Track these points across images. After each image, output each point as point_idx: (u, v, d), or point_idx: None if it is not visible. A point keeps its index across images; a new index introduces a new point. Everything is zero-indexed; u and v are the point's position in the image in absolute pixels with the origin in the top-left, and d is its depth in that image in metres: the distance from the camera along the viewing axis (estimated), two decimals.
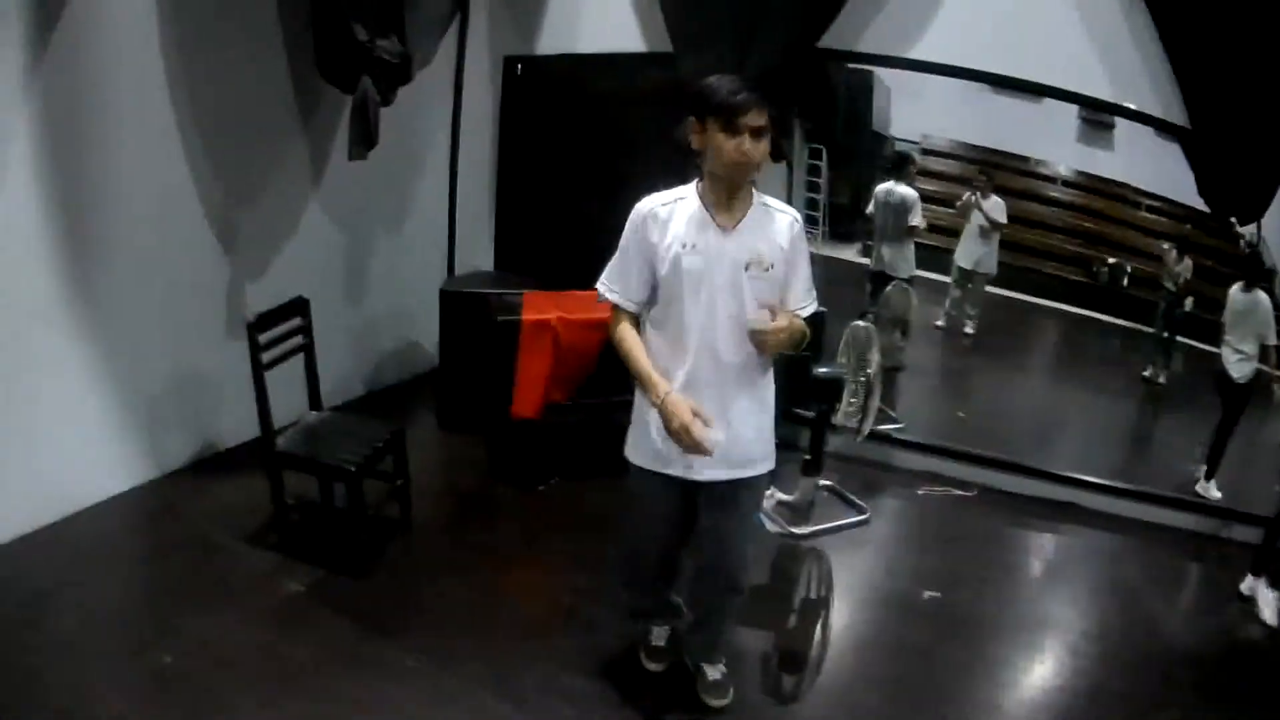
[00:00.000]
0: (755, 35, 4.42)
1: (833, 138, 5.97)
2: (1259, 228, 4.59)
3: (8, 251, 3.54)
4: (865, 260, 6.16)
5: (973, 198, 6.15)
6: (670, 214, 2.67)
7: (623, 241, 2.74)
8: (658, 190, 2.72)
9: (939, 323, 6.54)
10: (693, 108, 2.59)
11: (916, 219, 5.75)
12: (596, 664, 3.31)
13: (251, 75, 4.18)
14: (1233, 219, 4.60)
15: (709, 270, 2.63)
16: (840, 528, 4.38)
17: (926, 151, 7.05)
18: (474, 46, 5.07)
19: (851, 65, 5.07)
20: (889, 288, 5.08)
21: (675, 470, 2.80)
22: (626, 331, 2.76)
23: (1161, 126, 4.50)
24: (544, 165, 5.39)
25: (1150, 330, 6.31)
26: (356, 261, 5.15)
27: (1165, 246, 6.17)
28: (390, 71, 3.79)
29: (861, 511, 4.49)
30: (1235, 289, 4.95)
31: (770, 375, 2.85)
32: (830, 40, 4.59)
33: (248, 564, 3.78)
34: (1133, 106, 4.48)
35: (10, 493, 3.72)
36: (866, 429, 4.34)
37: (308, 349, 3.99)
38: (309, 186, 4.69)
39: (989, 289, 6.46)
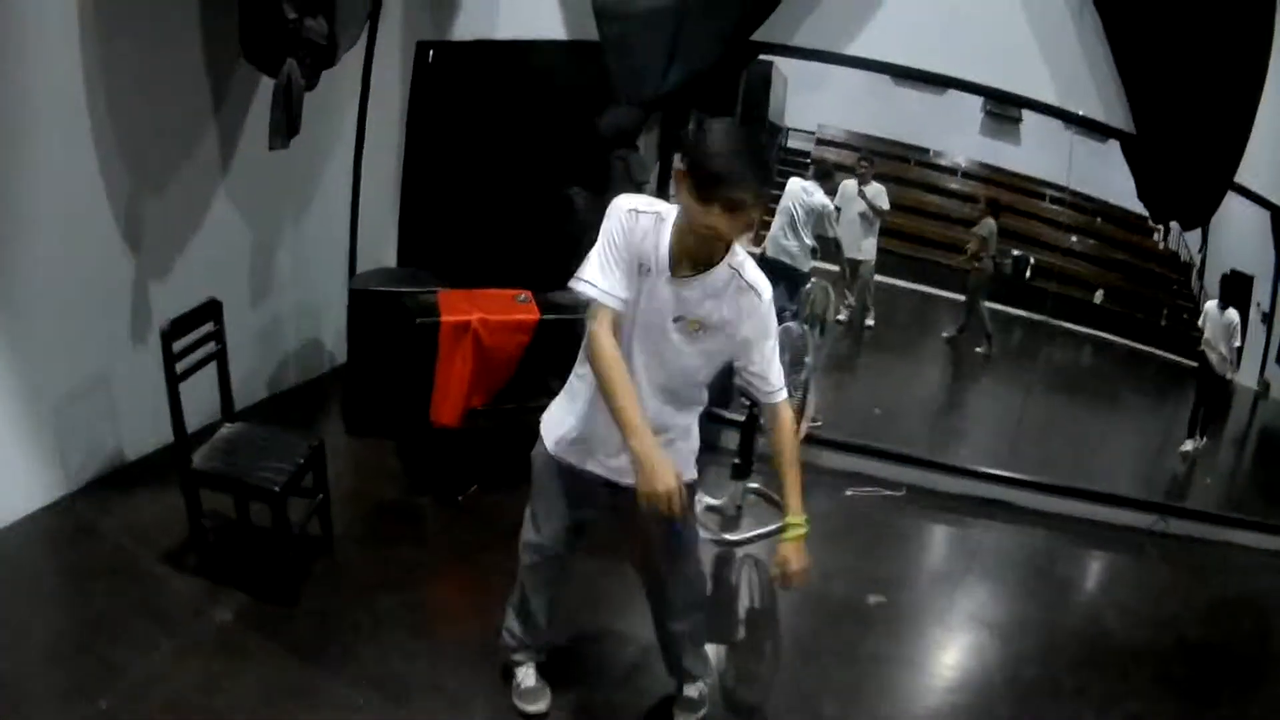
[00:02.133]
0: (687, 28, 4.32)
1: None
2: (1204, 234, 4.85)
3: None
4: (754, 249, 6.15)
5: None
6: (647, 227, 2.47)
7: (605, 234, 2.48)
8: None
9: (840, 317, 6.59)
10: (685, 151, 2.39)
11: (832, 231, 5.81)
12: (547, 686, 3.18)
13: (163, 60, 3.84)
14: (1172, 223, 4.83)
15: (647, 304, 2.49)
16: (773, 533, 4.34)
17: (820, 141, 7.10)
18: (386, 31, 4.78)
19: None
20: (808, 285, 5.07)
21: (595, 467, 2.70)
22: (608, 343, 2.44)
23: (1105, 131, 4.58)
24: (454, 157, 5.17)
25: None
26: (261, 258, 4.83)
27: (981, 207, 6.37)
28: (317, 54, 3.54)
29: None
30: (1212, 306, 5.68)
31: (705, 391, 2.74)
32: (763, 35, 4.52)
33: (172, 591, 3.52)
34: (1078, 110, 4.57)
35: None
36: (803, 431, 4.31)
37: (220, 355, 3.69)
38: (218, 178, 4.35)
39: (890, 280, 6.54)
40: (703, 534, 4.27)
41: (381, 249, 5.49)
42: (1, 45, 3.28)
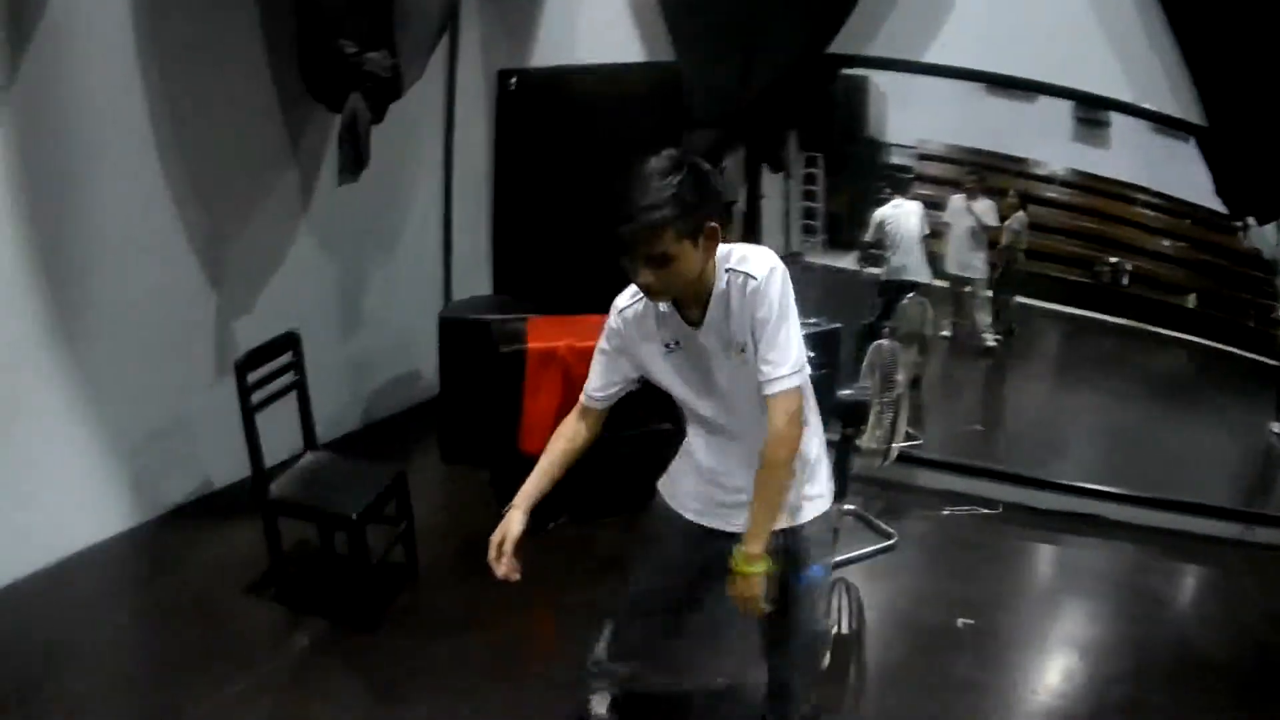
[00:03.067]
0: (762, 42, 4.23)
1: (829, 144, 5.80)
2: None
3: None
4: (870, 270, 5.98)
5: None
6: (640, 312, 2.38)
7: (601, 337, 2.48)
8: None
9: (945, 333, 6.34)
10: None
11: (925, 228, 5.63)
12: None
13: (237, 99, 3.98)
14: (1249, 219, 4.58)
15: (697, 363, 2.36)
16: (868, 555, 4.18)
17: (923, 156, 6.89)
18: (465, 60, 4.86)
19: (847, 71, 4.91)
20: (904, 301, 4.90)
21: (715, 522, 2.55)
22: (560, 433, 2.54)
23: (1179, 126, 4.40)
24: (542, 182, 5.17)
25: None
26: (349, 290, 4.93)
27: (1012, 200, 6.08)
28: (381, 86, 3.57)
29: (888, 537, 4.29)
30: None
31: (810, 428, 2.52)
32: (839, 46, 4.42)
33: (251, 620, 3.57)
34: (1152, 107, 4.40)
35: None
36: (895, 452, 4.14)
37: (300, 385, 3.75)
38: (298, 214, 4.47)
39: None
40: None
41: (476, 277, 5.54)
42: (72, 94, 3.43)
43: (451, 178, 5.20)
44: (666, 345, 2.37)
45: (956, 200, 6.12)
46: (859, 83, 5.63)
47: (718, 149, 4.54)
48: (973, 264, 6.20)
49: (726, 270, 2.27)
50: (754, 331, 2.27)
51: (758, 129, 4.74)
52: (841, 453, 4.21)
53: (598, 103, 4.88)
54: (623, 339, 2.42)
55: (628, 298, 2.40)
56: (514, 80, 4.96)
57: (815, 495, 2.58)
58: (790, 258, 5.38)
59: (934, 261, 5.97)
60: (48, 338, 3.59)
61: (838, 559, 4.13)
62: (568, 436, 2.53)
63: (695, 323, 2.31)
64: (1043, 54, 4.35)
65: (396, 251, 5.17)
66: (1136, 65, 4.32)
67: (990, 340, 6.28)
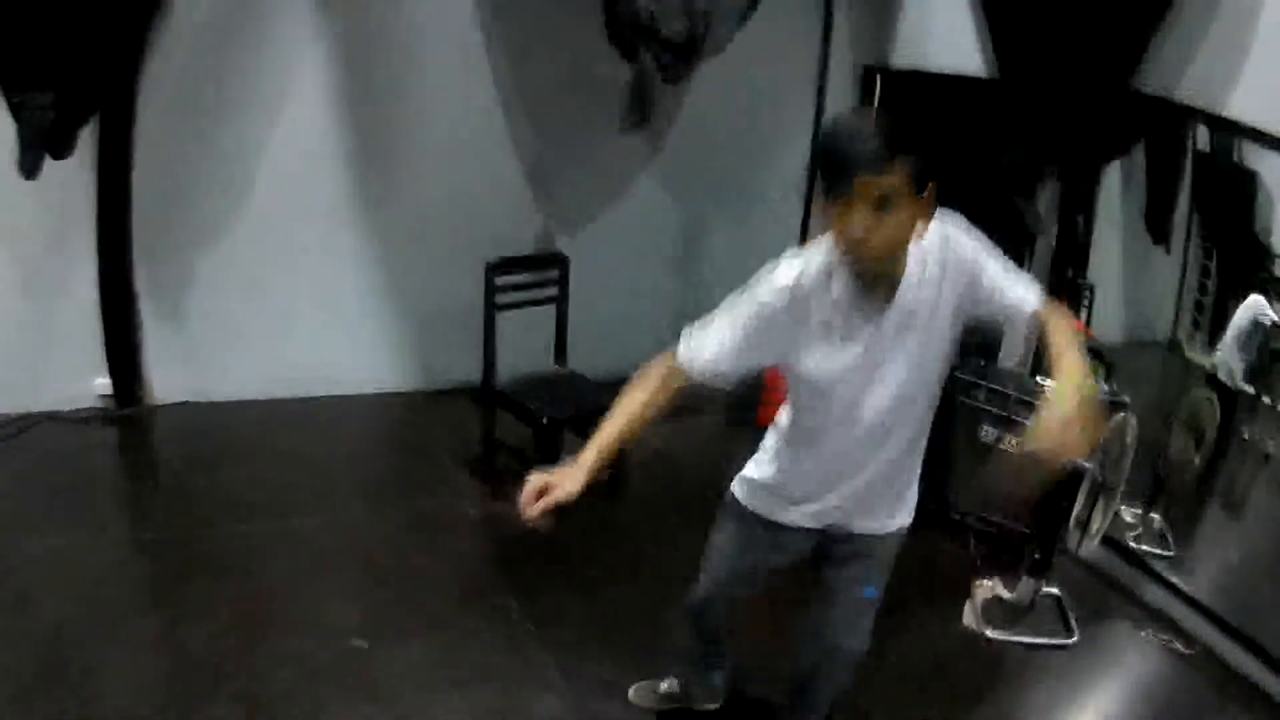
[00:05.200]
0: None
1: (1218, 236, 5.15)
2: None
3: (315, 146, 4.55)
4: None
5: None
6: (809, 284, 2.12)
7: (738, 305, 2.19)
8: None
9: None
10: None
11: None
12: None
13: (574, 31, 4.42)
14: None
15: (865, 355, 2.15)
16: (1037, 645, 3.92)
17: None
18: (836, 51, 5.02)
19: (1235, 161, 4.37)
20: (1194, 391, 4.40)
21: (794, 516, 2.51)
22: (643, 392, 2.23)
23: None
24: None
25: None
26: (692, 234, 5.32)
27: None
28: (675, 51, 3.78)
29: (1069, 634, 3.99)
30: None
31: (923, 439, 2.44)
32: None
33: (451, 482, 4.35)
34: None
35: (285, 363, 4.69)
36: (1093, 542, 3.85)
37: (560, 301, 4.28)
38: (638, 158, 4.98)
39: None
40: (967, 619, 4.04)
41: None
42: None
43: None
44: (826, 323, 2.13)
45: None
46: (1245, 171, 4.91)
47: (1027, 172, 4.35)
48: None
49: (919, 256, 2.09)
50: (979, 290, 2.16)
51: (1075, 165, 4.45)
52: (1044, 523, 3.99)
53: (940, 110, 4.76)
54: (772, 313, 2.12)
55: (792, 273, 2.12)
56: (879, 76, 5.00)
57: (902, 511, 2.53)
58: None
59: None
60: (353, 209, 4.60)
61: (1004, 636, 3.96)
62: (648, 402, 2.23)
63: (881, 304, 2.11)
64: None
65: (753, 214, 5.41)
66: None
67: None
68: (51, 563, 3.61)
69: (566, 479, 2.06)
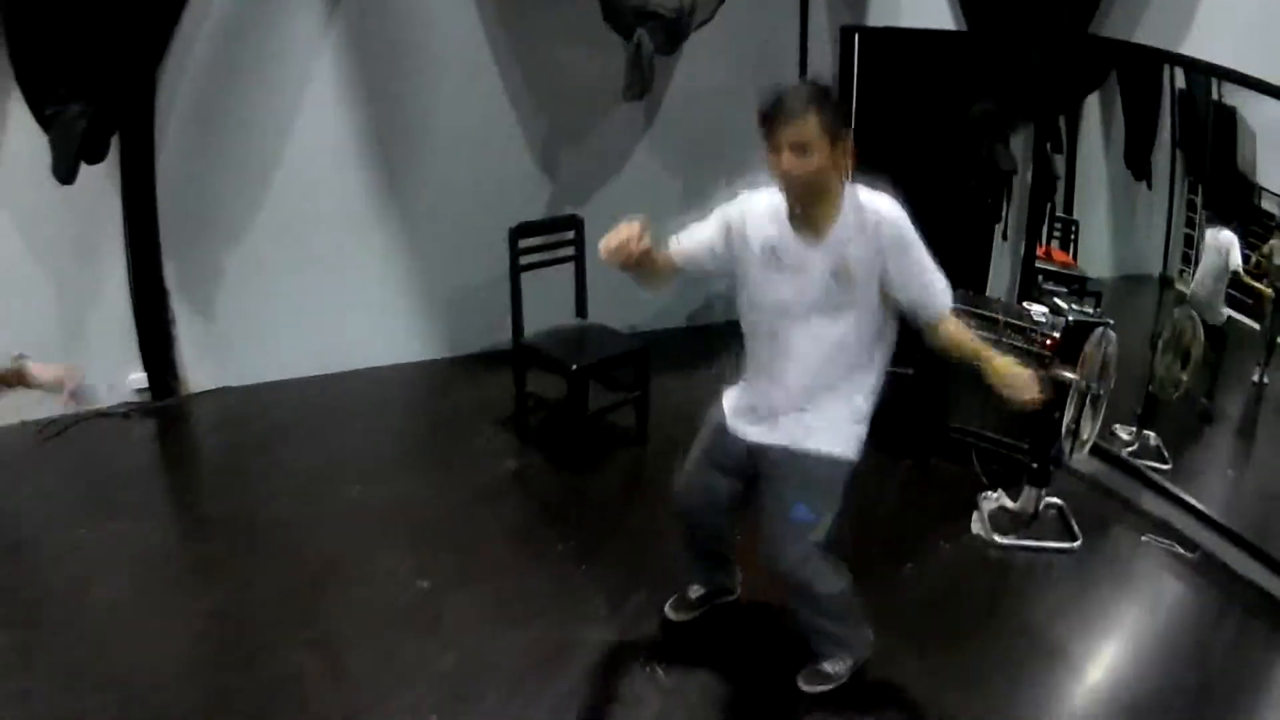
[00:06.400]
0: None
1: (1203, 175, 5.38)
2: None
3: (341, 139, 4.83)
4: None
5: None
6: (764, 206, 2.70)
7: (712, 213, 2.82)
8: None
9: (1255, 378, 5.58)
10: None
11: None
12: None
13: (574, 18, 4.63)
14: None
15: (791, 277, 2.65)
16: (1043, 550, 4.20)
17: None
18: (814, 13, 5.26)
19: (1216, 100, 4.60)
20: (1176, 312, 4.64)
21: (735, 423, 2.89)
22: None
23: None
24: (883, 143, 5.36)
25: None
26: (695, 203, 5.51)
27: None
28: (667, 25, 4.09)
29: (1073, 539, 4.26)
30: None
31: (872, 368, 2.81)
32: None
33: (485, 442, 4.65)
34: None
35: (316, 342, 5.00)
36: (1085, 449, 4.11)
37: (578, 261, 4.58)
38: (637, 126, 5.28)
39: None
40: (976, 528, 4.30)
41: None
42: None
43: None
44: (771, 250, 2.66)
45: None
46: (1228, 112, 5.13)
47: (998, 119, 4.61)
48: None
49: (857, 204, 2.58)
50: (895, 264, 2.59)
51: (1044, 107, 4.73)
52: (1038, 435, 4.24)
53: (915, 66, 4.94)
54: (735, 222, 2.73)
55: (754, 192, 2.73)
56: (857, 35, 5.20)
57: (834, 436, 2.78)
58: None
59: None
60: (373, 192, 4.91)
61: (1012, 542, 4.21)
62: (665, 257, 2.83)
63: (811, 239, 2.60)
64: None
65: (744, 167, 5.49)
66: None
67: None
68: (109, 545, 3.80)
69: (625, 226, 2.54)
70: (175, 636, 3.31)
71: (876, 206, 2.59)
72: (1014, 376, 2.59)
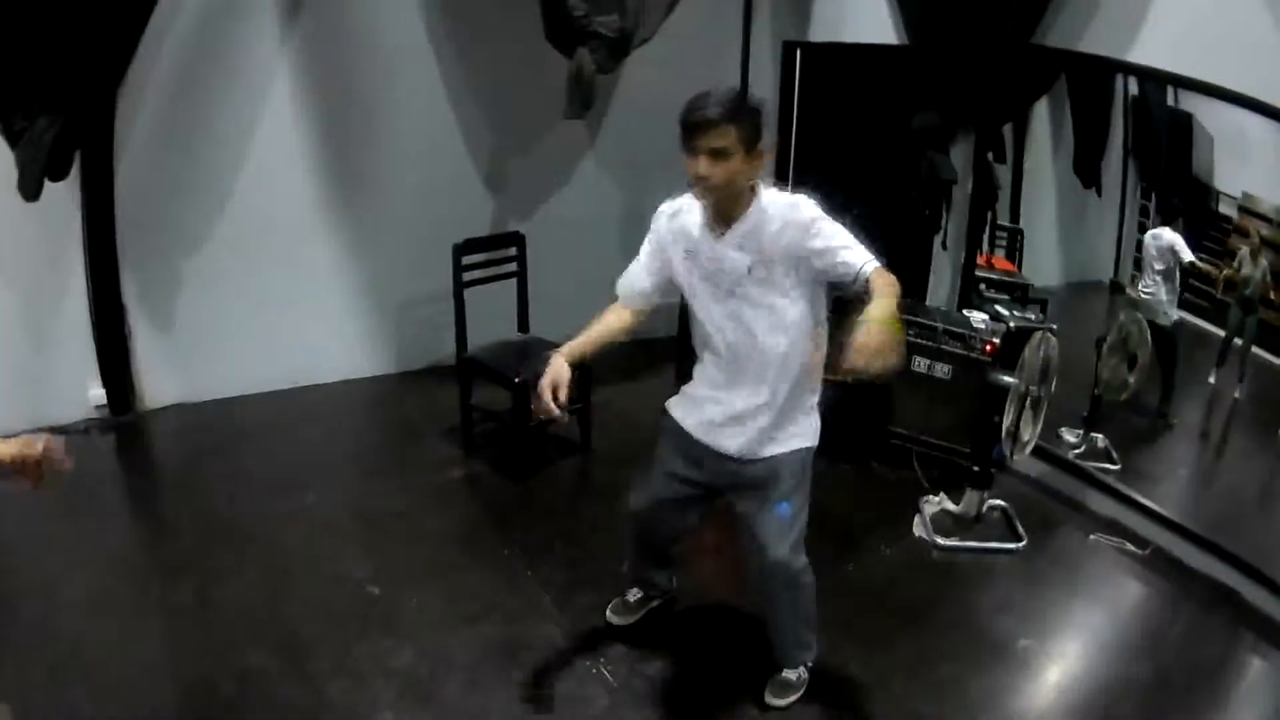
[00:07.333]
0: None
1: (1155, 181, 5.44)
2: None
3: (302, 150, 4.87)
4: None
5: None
6: (671, 213, 2.83)
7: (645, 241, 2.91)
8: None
9: (1211, 379, 5.64)
10: None
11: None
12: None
13: (520, 31, 4.65)
14: None
15: (713, 275, 2.73)
16: (986, 550, 4.23)
17: (1244, 210, 6.02)
18: (757, 28, 5.24)
19: (1171, 106, 4.67)
20: (1122, 315, 4.69)
21: (700, 434, 2.93)
22: (613, 314, 2.93)
23: None
24: (823, 155, 5.43)
25: None
26: (634, 211, 5.59)
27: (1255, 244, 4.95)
28: (608, 44, 4.15)
29: (1017, 539, 4.29)
30: None
31: (809, 370, 2.84)
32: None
33: (431, 452, 4.72)
34: None
35: (270, 359, 5.08)
36: (1025, 450, 4.16)
37: (520, 276, 4.68)
38: (580, 143, 5.39)
39: None
40: (918, 532, 4.33)
41: None
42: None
43: None
44: (688, 250, 2.77)
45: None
46: (1183, 118, 5.19)
47: (939, 131, 4.68)
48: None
49: (770, 201, 2.65)
50: (811, 245, 2.61)
51: (987, 120, 4.81)
52: (979, 436, 4.29)
53: (855, 80, 4.98)
54: (660, 236, 2.85)
55: (670, 203, 2.86)
56: (799, 51, 5.25)
57: (797, 432, 2.90)
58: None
59: None
60: (325, 208, 4.98)
61: (955, 544, 4.25)
62: (618, 321, 2.91)
63: (725, 237, 2.69)
64: None
65: (686, 184, 5.74)
66: None
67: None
68: (78, 549, 3.86)
69: (561, 370, 2.65)
70: (143, 636, 3.40)
71: (786, 200, 2.67)
72: (878, 334, 2.38)
